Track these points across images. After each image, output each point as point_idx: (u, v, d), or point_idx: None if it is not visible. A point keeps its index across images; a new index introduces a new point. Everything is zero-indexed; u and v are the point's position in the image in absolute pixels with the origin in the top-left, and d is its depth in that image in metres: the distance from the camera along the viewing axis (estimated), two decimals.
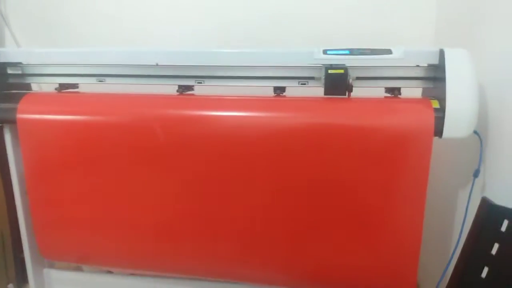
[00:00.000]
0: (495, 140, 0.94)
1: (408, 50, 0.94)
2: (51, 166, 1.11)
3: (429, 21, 1.34)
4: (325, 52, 0.97)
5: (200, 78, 1.06)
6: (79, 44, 1.52)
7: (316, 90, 0.99)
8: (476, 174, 0.95)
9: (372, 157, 0.94)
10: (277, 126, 0.97)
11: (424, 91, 1.04)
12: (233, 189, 1.02)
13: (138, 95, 1.09)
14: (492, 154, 0.94)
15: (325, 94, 0.98)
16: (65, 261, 1.29)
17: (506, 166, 0.90)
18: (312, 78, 1.01)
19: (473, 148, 0.97)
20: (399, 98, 0.99)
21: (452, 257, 0.98)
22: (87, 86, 1.14)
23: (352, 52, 0.97)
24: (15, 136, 1.14)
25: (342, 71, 0.95)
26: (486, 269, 0.84)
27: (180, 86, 1.09)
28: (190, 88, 1.11)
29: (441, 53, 0.93)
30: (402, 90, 1.00)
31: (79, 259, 1.24)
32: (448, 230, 1.13)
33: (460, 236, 0.96)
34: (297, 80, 1.02)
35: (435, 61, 0.95)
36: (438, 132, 0.90)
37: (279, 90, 1.04)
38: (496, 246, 0.82)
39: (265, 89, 1.04)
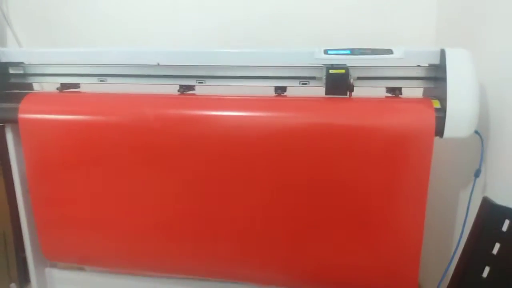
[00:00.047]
0: (496, 140, 0.94)
1: (409, 50, 0.95)
2: (53, 166, 1.11)
3: (430, 21, 1.34)
4: (326, 52, 0.97)
5: (201, 78, 1.07)
6: (80, 44, 1.52)
7: (317, 90, 1.00)
8: (477, 174, 0.95)
9: (373, 157, 0.94)
10: (278, 126, 0.97)
11: (425, 91, 1.04)
12: (234, 189, 1.02)
13: (139, 94, 1.09)
14: (493, 154, 0.94)
15: (326, 94, 0.98)
16: (68, 262, 1.29)
17: (507, 166, 0.90)
18: (313, 78, 1.01)
19: (474, 148, 0.97)
20: (400, 98, 0.99)
21: (453, 257, 0.98)
22: (88, 86, 1.14)
23: (353, 52, 0.97)
24: (17, 136, 1.14)
25: (343, 71, 0.95)
26: (487, 269, 0.83)
27: (181, 86, 1.09)
28: (191, 88, 1.11)
29: (442, 53, 0.93)
30: (403, 90, 1.00)
31: (82, 260, 1.25)
32: (449, 230, 1.13)
33: (461, 236, 0.96)
34: (298, 80, 1.02)
35: (436, 61, 0.95)
36: (439, 132, 0.90)
37: (280, 90, 1.04)
38: (497, 246, 0.82)
39: (266, 89, 1.04)
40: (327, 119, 0.96)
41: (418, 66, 0.98)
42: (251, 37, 1.42)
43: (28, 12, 1.55)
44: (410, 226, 0.97)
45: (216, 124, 1.01)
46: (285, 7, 1.42)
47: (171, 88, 1.09)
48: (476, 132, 0.92)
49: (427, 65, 0.98)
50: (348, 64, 0.96)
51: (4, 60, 1.13)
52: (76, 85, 1.17)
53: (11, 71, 1.15)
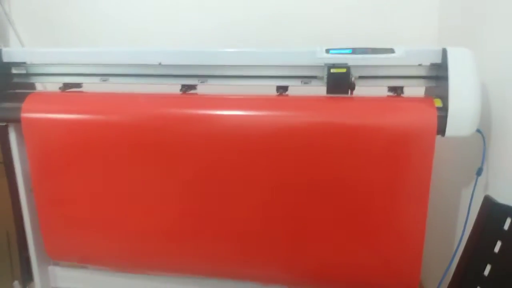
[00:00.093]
0: (498, 139, 0.94)
1: (411, 49, 0.95)
2: (56, 166, 1.11)
3: (431, 21, 1.34)
4: (327, 51, 0.98)
5: (203, 77, 1.07)
6: (82, 43, 1.53)
7: (319, 89, 1.00)
8: (479, 172, 0.96)
9: (374, 155, 0.94)
10: (280, 125, 0.98)
11: (427, 90, 1.04)
12: (235, 188, 1.03)
13: (141, 94, 1.09)
14: (495, 153, 0.95)
15: (327, 93, 0.98)
16: (71, 261, 1.29)
17: (509, 165, 0.90)
18: (314, 77, 1.01)
19: (476, 147, 0.97)
20: (401, 97, 0.99)
21: (454, 255, 0.98)
22: (91, 85, 1.14)
23: (354, 51, 0.97)
24: (20, 135, 1.15)
25: (344, 70, 0.95)
26: (488, 267, 0.84)
27: (183, 86, 1.09)
28: (193, 87, 1.11)
29: (444, 52, 0.93)
30: (404, 89, 1.00)
31: (85, 259, 1.25)
32: (451, 228, 1.13)
33: (462, 234, 0.96)
34: (300, 79, 1.02)
35: (437, 60, 0.95)
36: (441, 130, 0.90)
37: (282, 89, 1.04)
38: (498, 244, 0.82)
39: (268, 88, 1.04)
40: (329, 118, 0.96)
41: (420, 65, 0.98)
42: (251, 37, 1.42)
43: (30, 12, 1.56)
44: (412, 225, 0.97)
45: (218, 123, 1.01)
46: (285, 7, 1.42)
47: (173, 87, 1.09)
48: (478, 130, 0.92)
49: (428, 64, 0.98)
50: (350, 63, 0.96)
51: (6, 60, 1.13)
52: (79, 85, 1.17)
53: (14, 71, 1.15)
